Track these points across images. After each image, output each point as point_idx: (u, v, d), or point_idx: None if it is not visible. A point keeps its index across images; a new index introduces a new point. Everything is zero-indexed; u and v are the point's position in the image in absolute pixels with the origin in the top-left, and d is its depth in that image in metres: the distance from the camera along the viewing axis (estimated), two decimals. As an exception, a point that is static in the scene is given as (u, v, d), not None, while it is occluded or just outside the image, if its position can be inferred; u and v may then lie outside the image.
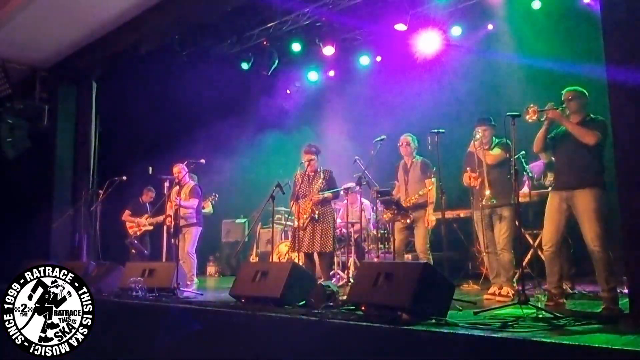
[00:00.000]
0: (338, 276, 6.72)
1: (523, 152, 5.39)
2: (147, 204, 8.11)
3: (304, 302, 4.22)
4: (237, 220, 9.64)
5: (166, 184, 6.58)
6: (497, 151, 4.91)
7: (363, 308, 3.65)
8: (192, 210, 6.72)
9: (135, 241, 7.71)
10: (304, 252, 5.91)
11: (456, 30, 7.85)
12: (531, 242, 5.72)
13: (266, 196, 5.78)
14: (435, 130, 4.74)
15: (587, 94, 4.22)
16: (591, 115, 4.17)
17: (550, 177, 5.09)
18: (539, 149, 4.33)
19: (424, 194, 5.32)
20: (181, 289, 5.45)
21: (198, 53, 8.88)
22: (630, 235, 3.11)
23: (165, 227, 7.05)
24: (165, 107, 8.83)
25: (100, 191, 7.45)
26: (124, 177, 7.25)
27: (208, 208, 7.52)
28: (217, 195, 7.58)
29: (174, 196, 6.79)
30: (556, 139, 4.29)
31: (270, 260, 6.68)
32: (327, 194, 5.84)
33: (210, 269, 9.76)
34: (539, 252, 5.57)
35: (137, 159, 8.10)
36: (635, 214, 3.04)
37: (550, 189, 4.44)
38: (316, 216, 5.75)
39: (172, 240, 7.06)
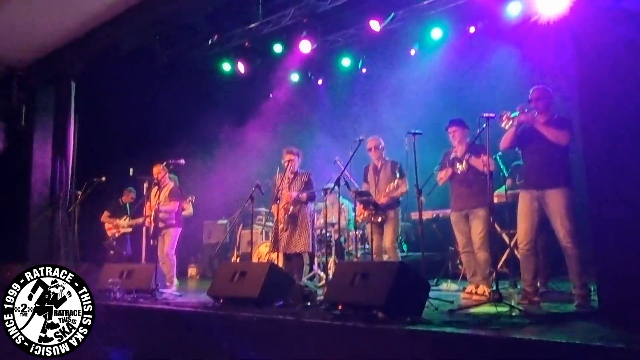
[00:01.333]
0: (318, 276, 6.75)
1: (499, 152, 5.46)
2: (127, 205, 8.05)
3: (281, 302, 4.24)
4: (219, 222, 9.60)
5: (145, 185, 6.53)
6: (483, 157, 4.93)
7: (340, 307, 3.67)
8: (171, 212, 6.71)
9: (114, 242, 7.63)
10: (283, 252, 5.94)
11: (436, 33, 7.92)
12: (507, 241, 5.80)
13: (247, 197, 5.79)
14: (413, 131, 4.78)
15: (552, 92, 4.31)
16: (558, 114, 4.26)
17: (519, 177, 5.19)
18: (505, 147, 4.39)
19: (395, 186, 5.37)
20: (160, 290, 5.43)
21: (179, 54, 8.83)
22: (599, 232, 3.18)
23: (144, 229, 7.00)
24: (145, 107, 8.78)
25: (78, 192, 7.37)
26: (103, 178, 7.18)
27: (188, 210, 7.48)
28: (194, 197, 7.53)
29: (153, 197, 6.75)
30: (523, 137, 4.35)
31: (251, 261, 6.68)
32: (302, 194, 5.88)
33: (192, 270, 9.69)
34: (515, 252, 5.66)
35: (117, 159, 8.02)
36: (604, 210, 3.11)
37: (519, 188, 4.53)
38: (290, 213, 5.77)
39: (151, 242, 7.03)
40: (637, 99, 2.93)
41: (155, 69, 8.59)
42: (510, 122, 4.22)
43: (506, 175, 5.95)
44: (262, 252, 7.36)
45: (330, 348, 3.29)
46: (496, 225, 5.62)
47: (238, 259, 8.27)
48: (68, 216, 7.54)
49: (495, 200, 5.64)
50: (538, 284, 4.50)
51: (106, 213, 7.90)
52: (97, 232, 7.86)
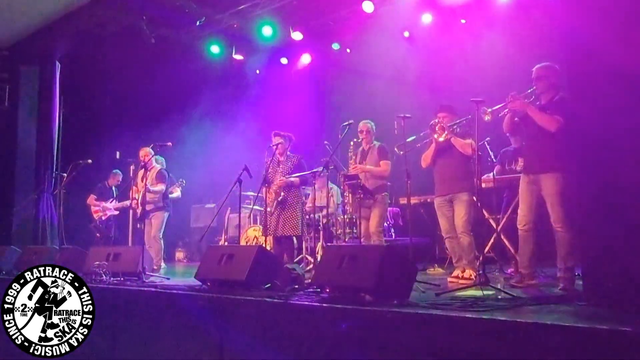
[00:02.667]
0: (306, 260, 6.75)
1: (488, 138, 5.48)
2: (114, 188, 7.97)
3: (269, 285, 4.23)
4: (207, 205, 9.56)
5: (132, 167, 6.46)
6: (467, 140, 4.94)
7: (327, 290, 3.67)
8: (159, 194, 6.65)
9: (100, 225, 7.57)
10: (273, 236, 5.94)
11: (426, 18, 7.89)
12: (494, 226, 5.83)
13: (235, 180, 5.75)
14: (402, 115, 4.77)
15: (557, 69, 4.13)
16: (561, 93, 4.12)
17: (520, 162, 5.20)
18: (506, 131, 4.45)
19: (375, 166, 5.41)
20: (147, 273, 5.40)
21: (166, 35, 8.69)
22: (586, 216, 3.20)
23: (131, 212, 6.95)
24: (132, 89, 8.66)
25: (64, 174, 7.29)
26: (89, 160, 7.11)
27: (176, 193, 7.44)
28: (184, 181, 7.49)
29: (139, 180, 6.70)
30: (522, 122, 4.36)
31: (238, 244, 6.66)
32: (293, 178, 5.86)
33: (179, 254, 9.67)
34: (502, 237, 5.71)
35: (103, 142, 7.95)
36: (592, 194, 3.12)
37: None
38: (280, 198, 5.76)
39: (138, 225, 7.00)
40: (626, 83, 2.93)
41: (142, 50, 8.45)
42: (491, 117, 4.21)
43: (494, 161, 5.96)
44: (250, 235, 7.34)
45: (318, 330, 3.29)
46: (483, 210, 5.65)
47: (226, 243, 8.25)
48: (53, 199, 7.46)
49: (483, 185, 5.66)
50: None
51: (92, 196, 7.82)
52: (82, 215, 7.78)
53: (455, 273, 5.05)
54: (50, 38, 7.79)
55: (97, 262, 5.21)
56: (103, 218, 7.67)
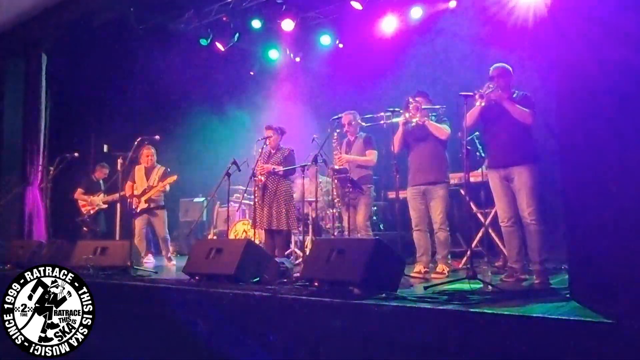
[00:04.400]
0: (295, 254, 6.75)
1: (476, 133, 5.49)
2: (101, 181, 7.90)
3: (258, 278, 4.23)
4: (195, 199, 9.50)
5: (120, 161, 6.41)
6: (443, 125, 4.90)
7: (316, 284, 3.68)
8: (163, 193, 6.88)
9: (88, 219, 7.50)
10: (263, 229, 5.95)
11: (416, 12, 7.87)
12: (482, 220, 5.87)
13: (224, 173, 5.74)
14: (391, 109, 4.76)
15: (511, 71, 4.36)
16: (516, 91, 4.32)
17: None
18: (470, 124, 4.32)
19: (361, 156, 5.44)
20: (134, 267, 5.37)
21: (155, 28, 8.60)
22: (571, 212, 3.22)
23: (118, 206, 6.91)
24: (119, 82, 8.55)
25: (50, 168, 7.21)
26: (76, 154, 7.04)
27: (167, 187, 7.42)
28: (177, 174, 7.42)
29: (139, 178, 6.74)
30: (488, 116, 4.37)
31: (227, 238, 6.65)
32: (279, 167, 5.86)
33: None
34: (490, 231, 5.74)
35: (90, 135, 7.86)
36: (577, 188, 3.14)
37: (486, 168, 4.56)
38: (262, 183, 5.84)
39: (133, 220, 7.02)
40: (613, 80, 2.94)
41: (130, 42, 8.36)
42: (479, 102, 4.22)
43: (483, 155, 5.98)
44: (239, 229, 7.33)
45: (306, 324, 3.29)
46: (472, 204, 5.67)
47: (215, 237, 8.22)
48: (40, 192, 7.38)
49: (472, 179, 5.68)
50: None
51: (79, 190, 7.74)
52: (69, 209, 7.70)
53: (417, 268, 4.87)
54: (36, 29, 7.68)
55: (84, 256, 5.17)
56: (91, 212, 7.61)
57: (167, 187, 6.87)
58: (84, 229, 7.50)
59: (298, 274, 4.20)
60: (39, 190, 7.59)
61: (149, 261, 6.86)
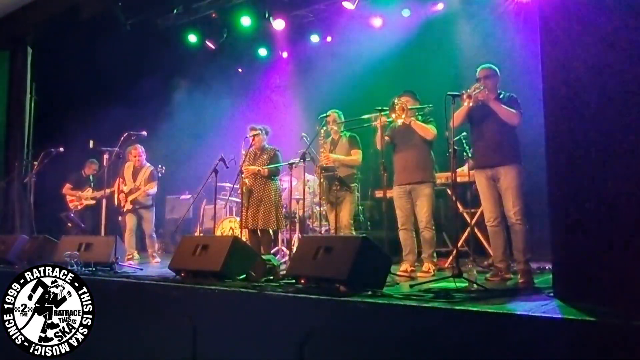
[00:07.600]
0: (282, 252, 6.74)
1: (464, 133, 5.52)
2: (90, 177, 7.80)
3: (244, 275, 4.22)
4: (182, 197, 9.44)
5: (106, 156, 6.35)
6: (429, 125, 4.90)
7: (302, 281, 3.68)
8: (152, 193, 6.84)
9: (72, 215, 7.41)
10: (249, 228, 5.92)
11: (405, 12, 7.90)
12: (468, 220, 5.91)
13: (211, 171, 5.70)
14: (379, 108, 4.75)
15: (498, 71, 4.43)
16: (502, 92, 4.37)
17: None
18: (457, 124, 4.30)
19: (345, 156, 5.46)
20: (119, 263, 5.33)
21: (142, 23, 8.53)
22: (556, 212, 3.25)
23: (104, 202, 6.85)
24: (106, 76, 8.46)
25: (35, 162, 7.11)
26: (61, 149, 6.95)
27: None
28: (164, 167, 7.33)
29: (128, 176, 6.69)
30: (475, 116, 4.41)
31: (213, 235, 6.62)
32: (264, 168, 5.84)
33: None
34: (475, 230, 5.79)
35: (75, 129, 7.75)
36: (561, 188, 3.18)
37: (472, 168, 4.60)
38: (247, 185, 5.83)
39: (120, 218, 6.99)
40: (600, 79, 2.97)
41: (117, 37, 8.26)
42: (467, 102, 4.25)
43: (470, 155, 6.02)
44: (226, 227, 7.29)
45: (292, 321, 3.29)
46: (458, 204, 5.71)
47: (201, 234, 8.17)
48: (23, 187, 7.28)
49: (459, 179, 5.72)
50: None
51: (68, 185, 7.64)
52: (54, 204, 7.61)
53: (403, 267, 4.85)
54: (21, 21, 7.58)
55: (68, 252, 5.11)
56: (79, 207, 7.51)
57: (153, 190, 6.78)
58: (68, 224, 7.42)
59: (284, 272, 4.19)
60: (22, 185, 7.47)
61: (135, 258, 6.80)
